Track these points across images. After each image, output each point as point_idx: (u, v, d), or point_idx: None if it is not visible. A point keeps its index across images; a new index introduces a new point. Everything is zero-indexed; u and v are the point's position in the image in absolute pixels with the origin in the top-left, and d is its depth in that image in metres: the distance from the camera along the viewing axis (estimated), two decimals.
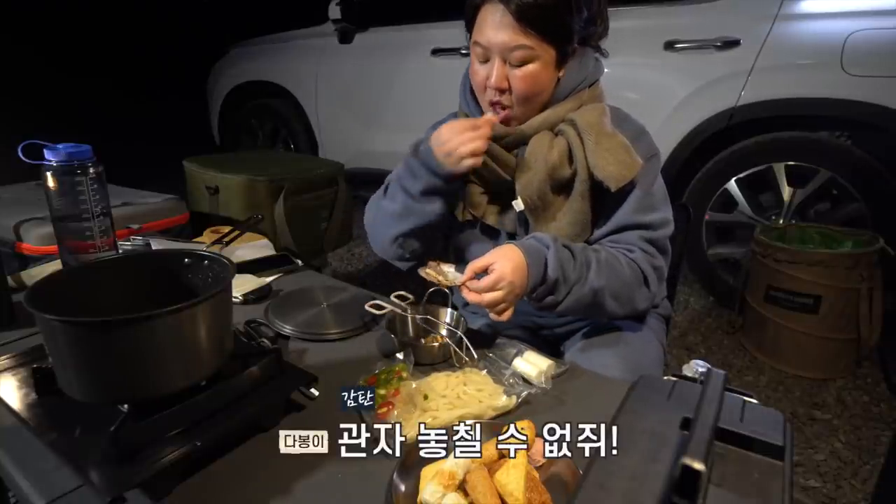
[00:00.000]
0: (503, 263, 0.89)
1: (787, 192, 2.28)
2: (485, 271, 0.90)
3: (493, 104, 1.01)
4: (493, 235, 1.11)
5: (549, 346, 1.19)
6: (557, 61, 0.99)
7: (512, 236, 1.08)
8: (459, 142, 0.94)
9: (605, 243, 1.02)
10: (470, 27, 1.02)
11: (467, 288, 0.91)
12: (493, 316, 0.91)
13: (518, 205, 1.03)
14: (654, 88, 2.36)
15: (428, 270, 0.95)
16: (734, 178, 2.32)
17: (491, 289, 0.88)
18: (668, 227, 1.03)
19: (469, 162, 0.95)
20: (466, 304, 1.26)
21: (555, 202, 1.03)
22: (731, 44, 2.18)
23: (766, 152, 2.24)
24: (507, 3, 0.93)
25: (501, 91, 0.98)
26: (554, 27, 0.95)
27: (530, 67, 0.96)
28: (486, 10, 0.96)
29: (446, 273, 0.94)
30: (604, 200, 1.01)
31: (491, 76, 0.97)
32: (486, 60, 0.99)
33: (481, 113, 1.06)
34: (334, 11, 3.22)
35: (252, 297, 1.16)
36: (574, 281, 0.93)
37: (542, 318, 1.17)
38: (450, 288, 0.98)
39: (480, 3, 0.98)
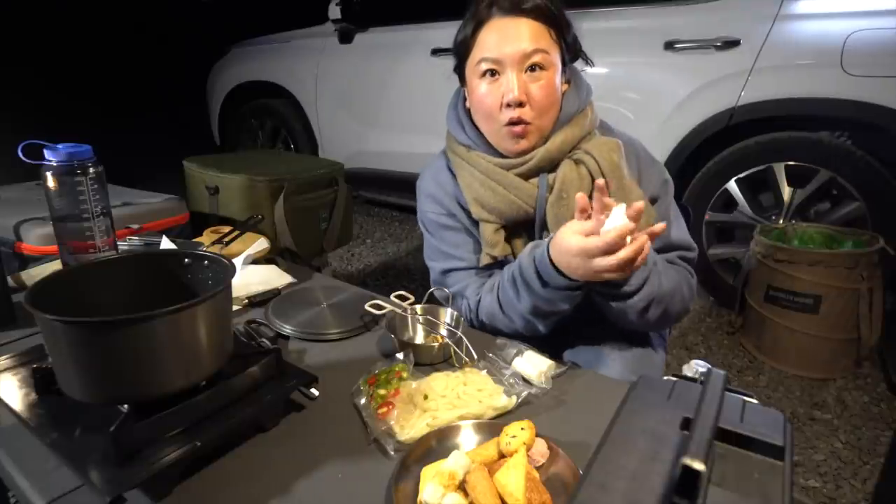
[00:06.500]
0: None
1: (787, 192, 2.28)
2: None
3: (512, 123, 0.97)
4: None
5: (550, 346, 1.18)
6: (562, 71, 1.00)
7: None
8: (604, 268, 0.82)
9: None
10: (465, 52, 1.00)
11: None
12: (615, 273, 0.82)
13: None
14: (654, 88, 2.36)
15: None
16: (734, 178, 2.33)
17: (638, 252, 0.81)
18: (696, 250, 1.07)
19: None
20: None
21: None
22: (731, 44, 2.18)
23: (766, 152, 2.24)
24: (519, 10, 0.94)
25: (521, 104, 0.96)
26: (559, 29, 0.97)
27: (547, 75, 0.96)
28: (492, 26, 0.96)
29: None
30: None
31: (510, 91, 0.94)
32: (494, 78, 0.97)
33: (485, 143, 1.03)
34: (334, 11, 3.22)
35: (256, 301, 1.15)
36: (644, 278, 0.92)
37: None
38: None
39: (482, 21, 0.97)
